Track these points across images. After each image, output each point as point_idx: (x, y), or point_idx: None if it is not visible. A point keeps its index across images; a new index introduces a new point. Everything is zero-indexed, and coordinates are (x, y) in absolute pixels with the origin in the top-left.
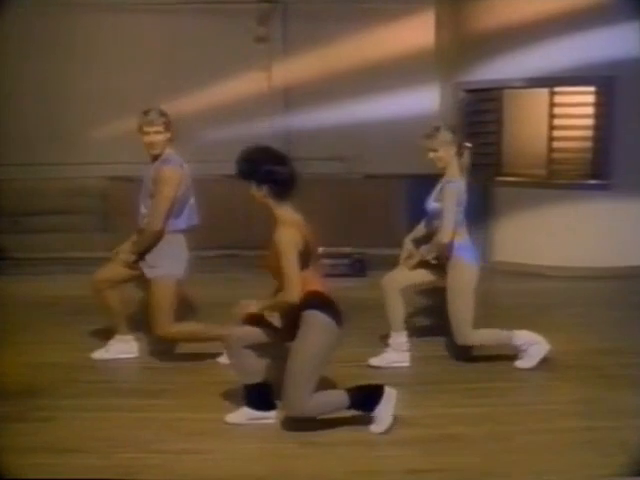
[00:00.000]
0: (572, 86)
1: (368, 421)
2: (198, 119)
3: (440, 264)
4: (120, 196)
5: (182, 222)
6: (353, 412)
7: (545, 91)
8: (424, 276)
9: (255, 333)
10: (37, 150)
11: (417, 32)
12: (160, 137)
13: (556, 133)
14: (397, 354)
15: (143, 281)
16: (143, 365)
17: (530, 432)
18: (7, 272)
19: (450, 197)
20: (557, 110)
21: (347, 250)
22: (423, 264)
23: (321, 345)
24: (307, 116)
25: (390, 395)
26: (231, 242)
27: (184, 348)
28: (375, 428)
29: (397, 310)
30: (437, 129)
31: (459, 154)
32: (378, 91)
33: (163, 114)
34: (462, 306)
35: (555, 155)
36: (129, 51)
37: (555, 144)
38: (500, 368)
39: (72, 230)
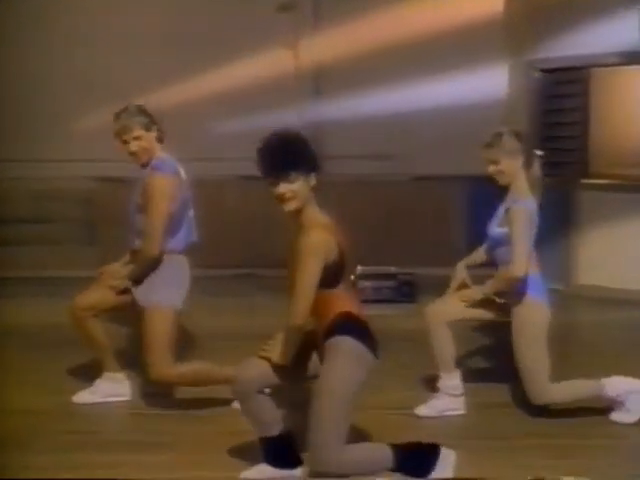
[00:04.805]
0: None
1: None
2: (207, 108)
3: (504, 302)
4: (109, 201)
5: (180, 241)
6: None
7: None
8: (479, 312)
9: (271, 372)
10: (5, 144)
11: None
12: (143, 143)
13: None
14: (449, 400)
15: (135, 310)
16: (137, 411)
17: None
18: None
19: (519, 220)
20: None
21: (392, 270)
22: (482, 300)
23: (353, 378)
24: (342, 104)
25: (448, 458)
26: (247, 259)
27: (188, 390)
28: None
29: (446, 347)
30: (499, 136)
31: (527, 165)
32: (431, 73)
33: (140, 111)
34: (535, 355)
35: None
36: (123, 25)
37: None
38: (589, 420)
39: (49, 243)
